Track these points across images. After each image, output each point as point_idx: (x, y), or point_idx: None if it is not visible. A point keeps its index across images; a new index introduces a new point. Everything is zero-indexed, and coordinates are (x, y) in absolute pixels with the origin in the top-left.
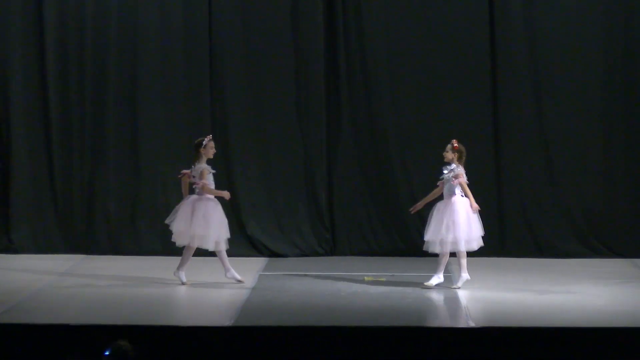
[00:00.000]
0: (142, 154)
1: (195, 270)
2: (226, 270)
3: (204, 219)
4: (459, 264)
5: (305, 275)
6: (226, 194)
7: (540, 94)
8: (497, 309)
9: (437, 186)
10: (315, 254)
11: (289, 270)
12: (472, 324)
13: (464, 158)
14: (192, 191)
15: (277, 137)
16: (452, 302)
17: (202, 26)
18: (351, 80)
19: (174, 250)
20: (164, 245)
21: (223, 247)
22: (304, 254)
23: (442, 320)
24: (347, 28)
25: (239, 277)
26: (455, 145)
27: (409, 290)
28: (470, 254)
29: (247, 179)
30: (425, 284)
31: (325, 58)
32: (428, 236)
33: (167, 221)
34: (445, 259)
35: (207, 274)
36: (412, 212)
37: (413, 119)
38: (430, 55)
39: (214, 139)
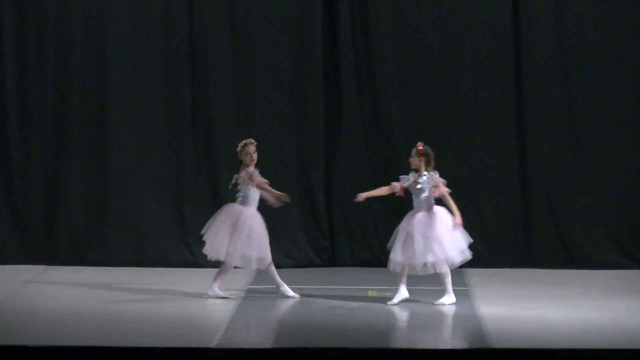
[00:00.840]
0: (111, 152)
1: (175, 282)
2: (278, 285)
3: (247, 239)
4: (446, 284)
5: (300, 289)
6: (285, 197)
7: (570, 82)
8: (521, 328)
9: (390, 185)
10: (312, 264)
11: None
12: (491, 346)
13: (432, 163)
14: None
15: (268, 133)
16: (469, 320)
17: (180, 10)
18: (354, 71)
19: (147, 260)
20: (137, 254)
21: (268, 262)
22: (298, 265)
23: (457, 341)
24: (349, 14)
25: (291, 293)
26: (420, 148)
27: (420, 307)
28: (491, 265)
29: (232, 178)
30: (435, 303)
31: (324, 47)
32: (404, 256)
33: (203, 232)
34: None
35: (188, 286)
36: (356, 201)
37: (424, 112)
38: (445, 40)
39: (194, 134)
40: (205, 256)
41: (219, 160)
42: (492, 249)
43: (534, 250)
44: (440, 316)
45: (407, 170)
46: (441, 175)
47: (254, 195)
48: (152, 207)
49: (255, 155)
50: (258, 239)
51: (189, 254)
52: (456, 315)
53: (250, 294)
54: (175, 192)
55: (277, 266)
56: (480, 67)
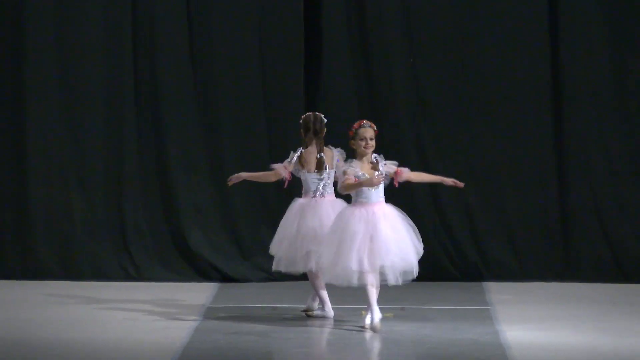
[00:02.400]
0: (30, 139)
1: (113, 300)
2: (316, 301)
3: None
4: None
5: (274, 309)
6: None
7: (618, 47)
8: (557, 357)
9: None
10: (288, 278)
11: (249, 302)
12: None
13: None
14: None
15: (230, 112)
16: (492, 348)
17: None
18: (342, 29)
19: (77, 272)
20: (63, 264)
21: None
22: (271, 279)
23: None
24: None
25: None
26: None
27: (427, 331)
28: (519, 278)
29: (188, 170)
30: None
31: (306, 16)
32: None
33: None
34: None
35: (130, 305)
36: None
37: (434, 88)
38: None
39: (139, 107)
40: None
41: (169, 143)
42: (521, 258)
43: (574, 261)
44: (452, 344)
45: (410, 157)
46: (460, 169)
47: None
48: (83, 207)
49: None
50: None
51: (130, 264)
52: (475, 343)
53: (210, 316)
54: (112, 188)
55: (244, 280)
56: (508, 28)
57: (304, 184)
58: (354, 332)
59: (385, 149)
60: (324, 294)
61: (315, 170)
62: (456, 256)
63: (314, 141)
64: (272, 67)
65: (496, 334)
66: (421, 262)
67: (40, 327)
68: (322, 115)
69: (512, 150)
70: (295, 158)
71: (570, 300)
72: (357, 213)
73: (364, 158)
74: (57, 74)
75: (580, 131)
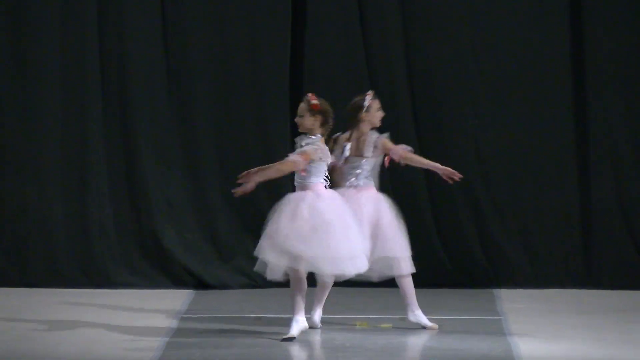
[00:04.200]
0: None
1: (77, 309)
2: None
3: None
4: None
5: (258, 319)
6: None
7: None
8: None
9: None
10: (273, 284)
11: (228, 312)
12: None
13: (330, 123)
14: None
15: (206, 100)
16: None
17: None
18: (336, 14)
19: (34, 279)
20: (19, 270)
21: None
22: (253, 285)
23: None
24: None
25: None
26: (315, 102)
27: (431, 343)
28: (535, 285)
29: (160, 162)
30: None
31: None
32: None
33: None
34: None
35: (96, 314)
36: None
37: (437, 71)
38: None
39: (105, 92)
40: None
41: (138, 131)
42: (537, 262)
43: (597, 265)
44: (459, 358)
45: (409, 144)
46: (468, 160)
47: None
48: (39, 204)
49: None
50: None
51: (93, 269)
52: (484, 358)
53: (184, 326)
54: (73, 183)
55: (224, 287)
56: (523, 2)
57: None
58: (346, 345)
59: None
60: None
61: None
62: (463, 259)
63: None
64: (253, 55)
65: (508, 347)
66: (424, 266)
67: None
68: (365, 100)
69: (528, 139)
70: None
71: (591, 310)
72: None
73: None
74: (12, 58)
75: (606, 118)
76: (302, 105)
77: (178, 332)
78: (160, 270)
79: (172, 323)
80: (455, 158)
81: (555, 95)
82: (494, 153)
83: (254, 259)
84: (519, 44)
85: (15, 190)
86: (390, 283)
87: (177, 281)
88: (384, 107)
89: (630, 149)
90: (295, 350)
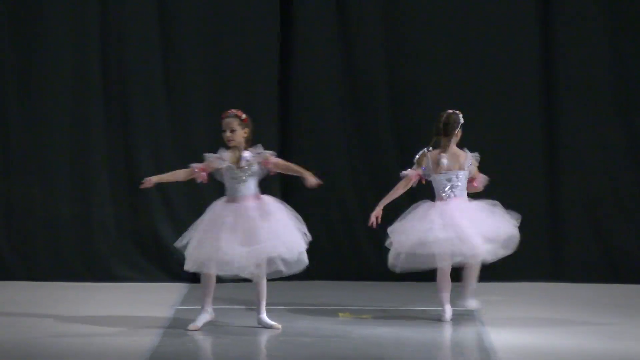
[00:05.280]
0: None
1: (77, 302)
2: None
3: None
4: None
5: (249, 309)
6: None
7: (615, 34)
8: None
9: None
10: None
11: (222, 303)
12: None
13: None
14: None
15: (202, 105)
16: (477, 351)
17: None
18: (320, 19)
19: (39, 273)
20: (24, 266)
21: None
22: (245, 278)
23: None
24: None
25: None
26: (244, 116)
27: (408, 333)
28: (507, 278)
29: (158, 162)
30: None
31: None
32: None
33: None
34: None
35: (94, 308)
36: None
37: (416, 75)
38: None
39: (107, 98)
40: None
41: (138, 135)
42: (509, 257)
43: (564, 260)
44: (435, 347)
45: (389, 153)
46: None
47: None
48: (45, 202)
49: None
50: None
51: (96, 264)
52: (459, 347)
53: (179, 317)
54: (77, 183)
55: (218, 279)
56: (497, 17)
57: (433, 185)
58: (331, 337)
59: (364, 142)
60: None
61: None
62: None
63: (442, 142)
64: (244, 65)
65: (481, 336)
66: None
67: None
68: (459, 116)
69: (500, 141)
70: (417, 158)
71: (560, 302)
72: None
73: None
74: (19, 63)
75: (573, 122)
76: (231, 120)
77: (174, 322)
78: (158, 265)
79: (168, 314)
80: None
81: (525, 100)
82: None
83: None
84: (492, 53)
85: (23, 192)
86: (372, 277)
87: (173, 276)
88: (365, 114)
89: (595, 149)
90: (282, 339)
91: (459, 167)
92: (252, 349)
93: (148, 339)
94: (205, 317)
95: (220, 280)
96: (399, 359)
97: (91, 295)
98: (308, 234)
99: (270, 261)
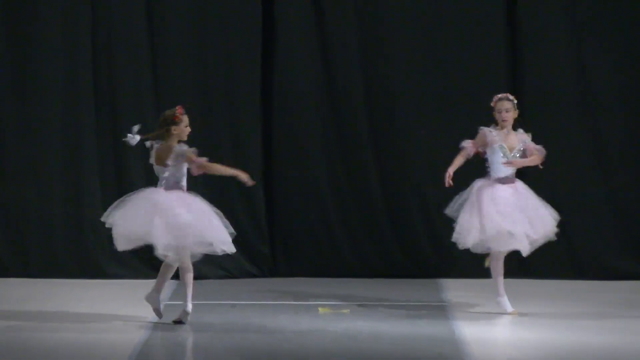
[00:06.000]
0: None
1: (67, 298)
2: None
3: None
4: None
5: (233, 305)
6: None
7: (578, 41)
8: (511, 354)
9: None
10: (248, 274)
11: (208, 299)
12: None
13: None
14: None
15: (188, 110)
16: (447, 344)
17: None
18: (301, 18)
19: (34, 270)
20: (21, 262)
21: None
22: (230, 275)
23: None
24: None
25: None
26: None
27: (384, 327)
28: (475, 275)
29: (146, 167)
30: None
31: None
32: None
33: None
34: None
35: (86, 304)
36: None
37: (393, 84)
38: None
39: (97, 102)
40: None
41: (129, 149)
42: (477, 255)
43: (529, 258)
44: (409, 340)
45: (367, 157)
46: (419, 165)
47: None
48: (39, 203)
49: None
50: None
51: (87, 261)
52: (431, 339)
53: (168, 313)
54: (70, 184)
55: (203, 277)
56: (467, 27)
57: (488, 159)
58: (312, 331)
59: (342, 145)
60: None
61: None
62: (413, 253)
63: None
64: (229, 73)
65: (452, 330)
66: (378, 259)
67: None
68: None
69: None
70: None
71: (525, 297)
72: None
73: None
74: (12, 69)
75: (539, 126)
76: (170, 114)
77: (164, 318)
78: (147, 263)
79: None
80: (408, 163)
81: (492, 110)
82: (440, 159)
83: (229, 254)
84: (462, 62)
85: (18, 194)
86: (358, 274)
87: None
88: (344, 118)
89: (560, 153)
90: (265, 333)
91: (512, 145)
92: (236, 343)
93: (138, 334)
94: (159, 299)
95: (204, 277)
96: (375, 351)
97: (83, 291)
98: (232, 229)
99: (194, 251)
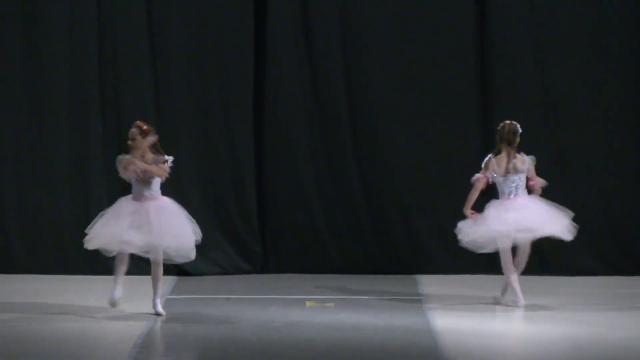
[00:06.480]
0: (3, 144)
1: (74, 293)
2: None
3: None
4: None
5: (228, 299)
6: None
7: (541, 52)
8: (482, 343)
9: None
10: (241, 271)
11: (204, 293)
12: None
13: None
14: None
15: (186, 117)
16: (423, 334)
17: None
18: (290, 40)
19: (46, 266)
20: (35, 260)
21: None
22: (224, 272)
23: (408, 358)
24: None
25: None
26: (146, 127)
27: (366, 319)
28: (449, 271)
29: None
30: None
31: (256, 24)
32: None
33: None
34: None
35: (92, 298)
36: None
37: (374, 98)
38: (399, 19)
39: (104, 118)
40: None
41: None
42: (451, 253)
43: (498, 254)
44: (388, 330)
45: (350, 162)
46: (397, 170)
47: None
48: (50, 206)
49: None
50: None
51: (95, 260)
52: (408, 330)
53: (169, 306)
54: (78, 189)
55: (200, 273)
56: (438, 42)
57: (498, 187)
58: (299, 323)
59: (327, 151)
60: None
61: (504, 175)
62: (391, 250)
63: (505, 149)
64: (224, 80)
65: (427, 320)
66: (359, 256)
67: (9, 318)
68: (517, 126)
69: (442, 153)
70: (485, 163)
71: (494, 291)
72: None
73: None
74: (25, 81)
75: None
76: (134, 130)
77: (164, 311)
78: (149, 260)
79: (159, 303)
80: (387, 168)
81: (464, 117)
82: (417, 163)
83: (224, 252)
84: (436, 77)
85: (31, 197)
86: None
87: (163, 270)
88: (329, 128)
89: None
90: (257, 324)
91: (520, 170)
92: (231, 333)
93: (141, 325)
94: (120, 290)
95: (202, 273)
96: (357, 340)
97: (91, 286)
98: (199, 232)
99: (164, 250)
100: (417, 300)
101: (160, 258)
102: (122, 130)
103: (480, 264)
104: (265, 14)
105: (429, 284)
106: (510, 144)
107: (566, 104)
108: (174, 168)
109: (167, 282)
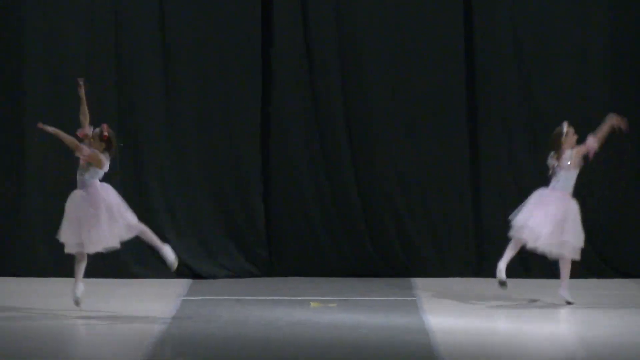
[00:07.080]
0: (28, 155)
1: (99, 295)
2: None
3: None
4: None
5: (238, 300)
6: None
7: (526, 69)
8: (474, 342)
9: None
10: (249, 274)
11: (216, 295)
12: None
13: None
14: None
15: (197, 129)
16: (419, 333)
17: (105, 5)
18: (293, 60)
19: (69, 271)
20: (58, 265)
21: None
22: (234, 275)
23: (405, 356)
24: (285, 5)
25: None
26: (106, 133)
27: (364, 318)
28: (441, 274)
29: (162, 182)
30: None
31: (263, 29)
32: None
33: None
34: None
35: (115, 299)
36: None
37: (369, 106)
38: (393, 30)
39: (119, 124)
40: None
41: (146, 160)
42: (443, 256)
43: (486, 259)
44: (385, 329)
45: (348, 171)
46: (391, 175)
47: None
48: None
49: None
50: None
51: (114, 263)
52: (403, 329)
53: (185, 307)
54: None
55: (212, 276)
56: (429, 56)
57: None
58: (301, 321)
59: (326, 160)
60: None
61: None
62: (386, 254)
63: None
64: (230, 97)
65: (421, 321)
66: (355, 259)
67: (35, 316)
68: (561, 128)
69: (434, 160)
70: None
71: (484, 294)
72: None
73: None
74: (51, 91)
75: (492, 144)
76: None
77: (180, 310)
78: (165, 264)
79: (175, 304)
80: (381, 174)
81: (453, 126)
82: (409, 170)
83: (233, 257)
84: (428, 87)
85: (58, 205)
86: (339, 273)
87: (179, 273)
88: (326, 137)
89: (511, 168)
90: (264, 323)
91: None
92: (240, 332)
93: (159, 325)
94: (81, 288)
95: (213, 277)
96: (355, 339)
97: (110, 289)
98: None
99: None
100: (411, 301)
101: (140, 227)
102: (138, 138)
103: (468, 267)
104: (271, 36)
105: (423, 286)
106: (554, 145)
107: (552, 112)
108: (189, 186)
109: (182, 285)
